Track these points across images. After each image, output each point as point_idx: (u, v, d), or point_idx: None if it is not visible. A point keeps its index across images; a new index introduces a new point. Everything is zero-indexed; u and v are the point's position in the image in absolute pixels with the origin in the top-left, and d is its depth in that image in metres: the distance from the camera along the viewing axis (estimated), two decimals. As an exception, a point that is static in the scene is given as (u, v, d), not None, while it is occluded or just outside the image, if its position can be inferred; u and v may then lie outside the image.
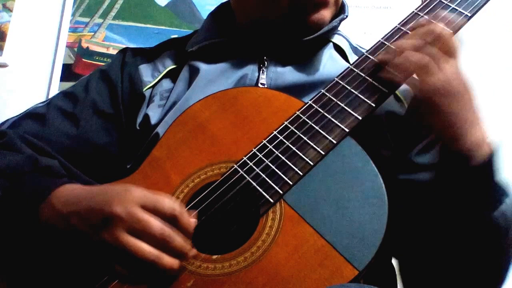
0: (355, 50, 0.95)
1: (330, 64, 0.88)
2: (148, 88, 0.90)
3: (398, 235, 0.75)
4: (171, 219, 0.61)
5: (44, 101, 0.92)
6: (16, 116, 0.89)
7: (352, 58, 0.91)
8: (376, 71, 0.73)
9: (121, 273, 0.60)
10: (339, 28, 0.95)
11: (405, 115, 0.84)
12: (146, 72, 0.92)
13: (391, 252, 0.84)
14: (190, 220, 0.62)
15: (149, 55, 0.96)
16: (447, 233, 0.71)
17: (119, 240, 0.59)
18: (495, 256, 0.70)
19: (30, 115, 0.88)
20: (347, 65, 0.87)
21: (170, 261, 0.60)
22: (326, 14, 0.87)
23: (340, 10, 0.92)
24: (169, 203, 0.62)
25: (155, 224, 0.60)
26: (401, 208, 0.75)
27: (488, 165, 0.67)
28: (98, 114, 0.89)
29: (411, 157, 0.82)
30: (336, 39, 0.93)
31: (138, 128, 0.87)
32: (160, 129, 0.82)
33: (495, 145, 0.69)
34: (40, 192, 0.67)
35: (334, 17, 0.90)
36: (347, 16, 0.92)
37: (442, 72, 0.67)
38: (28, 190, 0.69)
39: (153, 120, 0.85)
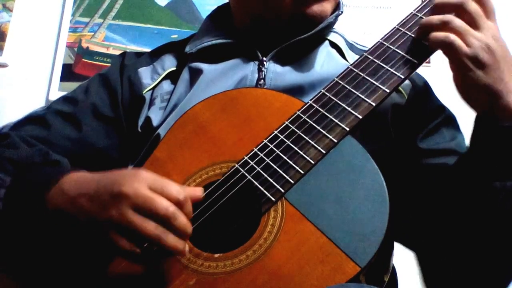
0: (351, 46, 0.96)
1: (327, 62, 0.89)
2: (148, 90, 0.91)
3: (411, 225, 0.75)
4: (176, 202, 0.61)
5: (43, 106, 0.93)
6: (15, 120, 0.89)
7: (349, 54, 0.92)
8: (375, 70, 0.73)
9: (127, 250, 0.60)
10: (335, 27, 0.95)
11: (407, 103, 0.86)
12: (145, 74, 0.93)
13: (408, 245, 0.84)
14: (198, 190, 0.64)
15: (148, 58, 0.97)
16: (467, 212, 0.71)
17: (125, 217, 0.59)
18: None
19: (30, 118, 0.89)
20: (345, 62, 0.89)
21: (174, 240, 0.60)
22: (328, 6, 0.88)
23: (336, 7, 0.92)
24: (175, 186, 0.62)
25: (161, 201, 0.60)
26: (415, 196, 0.76)
27: None
28: (98, 118, 0.89)
29: (417, 144, 0.83)
30: (332, 36, 0.94)
31: (139, 130, 0.87)
32: (161, 131, 0.83)
33: None
34: (49, 178, 0.68)
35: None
36: (342, 12, 0.92)
37: (470, 43, 0.67)
38: (37, 176, 0.70)
39: (155, 122, 0.86)
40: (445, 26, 0.69)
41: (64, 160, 0.77)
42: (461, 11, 0.69)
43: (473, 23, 0.68)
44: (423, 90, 0.91)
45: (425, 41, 0.71)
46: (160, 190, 0.61)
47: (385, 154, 0.78)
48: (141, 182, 0.61)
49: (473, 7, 0.69)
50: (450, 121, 0.87)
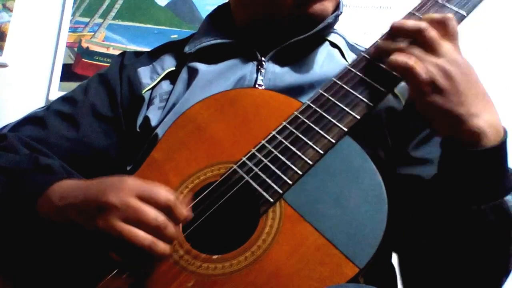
0: (351, 48, 0.95)
1: (327, 62, 0.89)
2: (147, 90, 0.90)
3: (398, 230, 0.74)
4: (165, 208, 0.61)
5: (43, 107, 0.93)
6: (15, 121, 0.89)
7: (349, 55, 0.92)
8: (373, 71, 0.73)
9: (117, 260, 0.61)
10: (335, 27, 0.95)
11: (404, 109, 0.84)
12: (145, 74, 0.92)
13: (392, 247, 0.83)
14: (183, 210, 0.63)
15: (148, 58, 0.96)
16: (447, 228, 0.70)
17: (114, 227, 0.59)
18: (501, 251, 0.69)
19: (29, 119, 0.89)
20: (345, 63, 0.88)
21: (164, 247, 0.61)
22: (329, 5, 0.88)
23: (336, 7, 0.92)
24: (164, 192, 0.62)
25: (149, 211, 0.60)
26: (401, 203, 0.74)
27: (499, 150, 0.65)
28: (98, 117, 0.89)
29: (408, 151, 0.83)
30: (332, 37, 0.93)
31: (138, 130, 0.87)
32: (159, 130, 0.83)
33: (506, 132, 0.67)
34: (38, 187, 0.68)
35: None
36: (341, 13, 0.92)
37: (428, 70, 0.65)
38: (26, 185, 0.70)
39: (153, 122, 0.86)
40: (401, 51, 0.68)
41: (55, 163, 0.77)
42: (418, 37, 0.67)
43: (430, 49, 0.66)
44: None
45: (381, 63, 0.71)
46: (148, 197, 0.61)
47: (381, 160, 0.78)
48: (128, 191, 0.61)
49: (431, 34, 0.67)
50: None
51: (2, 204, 0.69)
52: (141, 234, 0.59)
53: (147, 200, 0.61)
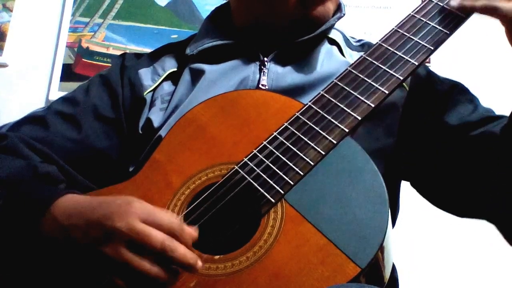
0: (348, 43, 0.96)
1: (327, 60, 0.89)
2: (149, 92, 0.90)
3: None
4: (171, 233, 0.61)
5: (43, 107, 0.93)
6: (14, 121, 0.89)
7: (347, 51, 0.93)
8: (374, 72, 0.74)
9: (118, 284, 0.60)
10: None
11: (409, 93, 0.86)
12: (146, 76, 0.92)
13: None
14: (191, 234, 0.62)
15: (148, 59, 0.96)
16: None
17: (121, 256, 0.59)
18: None
19: (30, 119, 0.88)
20: (343, 59, 0.89)
21: (171, 273, 0.60)
22: (331, 7, 0.89)
23: (337, 8, 0.92)
24: (169, 217, 0.62)
25: (156, 238, 0.60)
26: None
27: None
28: (99, 119, 0.89)
29: (447, 124, 0.83)
30: (331, 33, 0.94)
31: (140, 132, 0.87)
32: (163, 132, 0.83)
33: None
34: (41, 203, 0.67)
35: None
36: (344, 15, 0.93)
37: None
38: (29, 200, 0.69)
39: (156, 124, 0.86)
40: None
41: (54, 170, 0.77)
42: None
43: None
44: (427, 76, 0.91)
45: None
46: (153, 222, 0.61)
47: (387, 154, 0.79)
48: (134, 215, 0.60)
49: None
50: (464, 91, 0.88)
51: (2, 217, 0.68)
52: (147, 265, 0.59)
53: (153, 224, 0.60)
